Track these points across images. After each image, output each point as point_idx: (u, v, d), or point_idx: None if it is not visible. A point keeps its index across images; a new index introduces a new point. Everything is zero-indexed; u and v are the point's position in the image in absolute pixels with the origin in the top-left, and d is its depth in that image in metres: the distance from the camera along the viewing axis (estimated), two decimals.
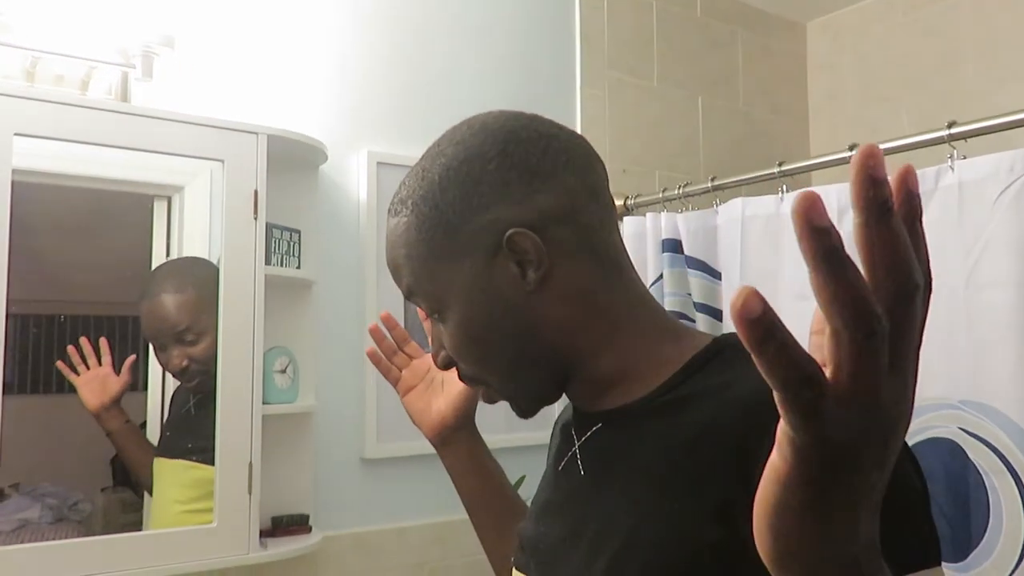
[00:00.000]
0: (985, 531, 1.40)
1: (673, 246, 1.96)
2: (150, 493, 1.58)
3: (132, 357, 1.57)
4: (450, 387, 0.92)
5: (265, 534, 1.59)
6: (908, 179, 0.34)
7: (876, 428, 0.36)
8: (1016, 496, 1.36)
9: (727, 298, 1.86)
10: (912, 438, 1.50)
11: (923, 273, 0.34)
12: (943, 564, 1.54)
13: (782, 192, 1.78)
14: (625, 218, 2.09)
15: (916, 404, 1.34)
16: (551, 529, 0.73)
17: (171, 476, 1.57)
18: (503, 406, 0.76)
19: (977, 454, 1.42)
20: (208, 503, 1.49)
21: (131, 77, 1.55)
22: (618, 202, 2.13)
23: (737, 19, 2.55)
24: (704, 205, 1.96)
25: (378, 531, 1.78)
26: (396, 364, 0.99)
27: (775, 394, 0.35)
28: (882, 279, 0.33)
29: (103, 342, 1.54)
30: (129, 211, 1.64)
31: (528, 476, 1.57)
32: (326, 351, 1.77)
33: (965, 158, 1.48)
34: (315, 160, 1.76)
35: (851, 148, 1.64)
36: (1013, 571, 1.35)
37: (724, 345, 0.69)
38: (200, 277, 1.59)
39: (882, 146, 1.60)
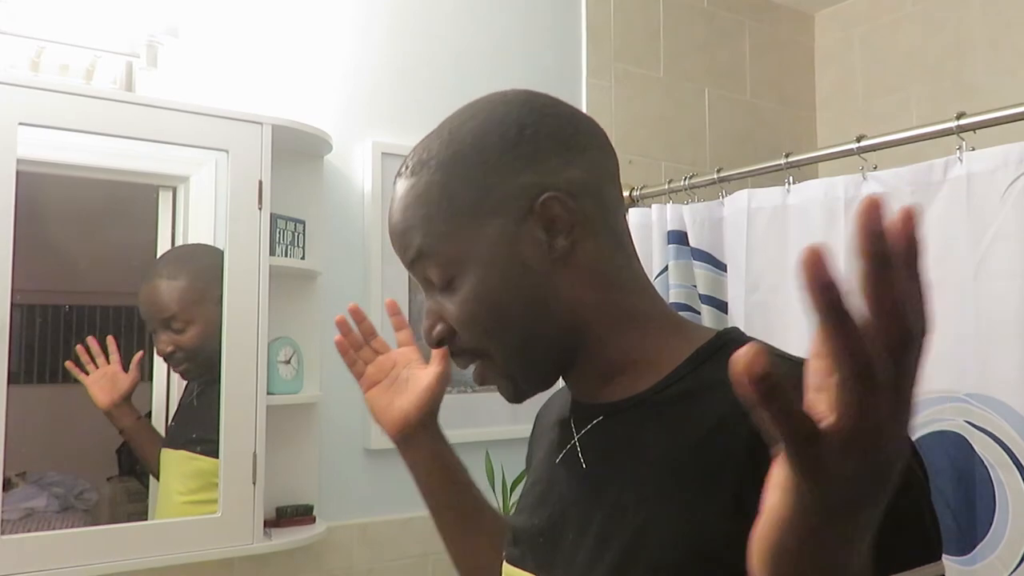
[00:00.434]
0: (991, 524, 1.40)
1: (679, 238, 1.95)
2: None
3: (140, 354, 1.57)
4: (415, 384, 0.91)
5: (269, 524, 1.60)
6: (909, 223, 0.35)
7: (876, 473, 0.38)
8: (1022, 490, 1.36)
9: (732, 290, 1.86)
10: (918, 431, 1.50)
11: (921, 319, 0.36)
12: (948, 557, 1.53)
13: (788, 184, 1.77)
14: (631, 209, 2.09)
15: (923, 396, 1.33)
16: (550, 522, 0.72)
17: (174, 467, 1.57)
18: (499, 401, 0.75)
19: (983, 447, 1.41)
20: (209, 494, 1.50)
21: (136, 67, 1.55)
22: (624, 193, 2.13)
23: (744, 10, 2.53)
24: (710, 197, 1.95)
25: (382, 521, 1.79)
26: (361, 358, 0.97)
27: (781, 445, 0.37)
28: (883, 326, 0.35)
29: (110, 340, 1.54)
30: (134, 201, 1.64)
31: None
32: (330, 342, 1.76)
33: (974, 149, 1.47)
34: (320, 150, 1.75)
35: (858, 140, 1.63)
36: (1019, 564, 1.35)
37: (727, 339, 0.69)
38: (197, 266, 1.59)
39: (890, 137, 1.60)
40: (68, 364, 1.51)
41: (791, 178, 1.77)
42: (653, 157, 2.24)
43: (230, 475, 1.49)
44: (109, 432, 1.55)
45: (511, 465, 1.69)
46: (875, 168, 1.62)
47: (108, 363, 1.53)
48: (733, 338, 0.69)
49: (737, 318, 1.83)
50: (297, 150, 1.70)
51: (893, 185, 1.58)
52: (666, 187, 2.03)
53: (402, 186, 0.71)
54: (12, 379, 1.34)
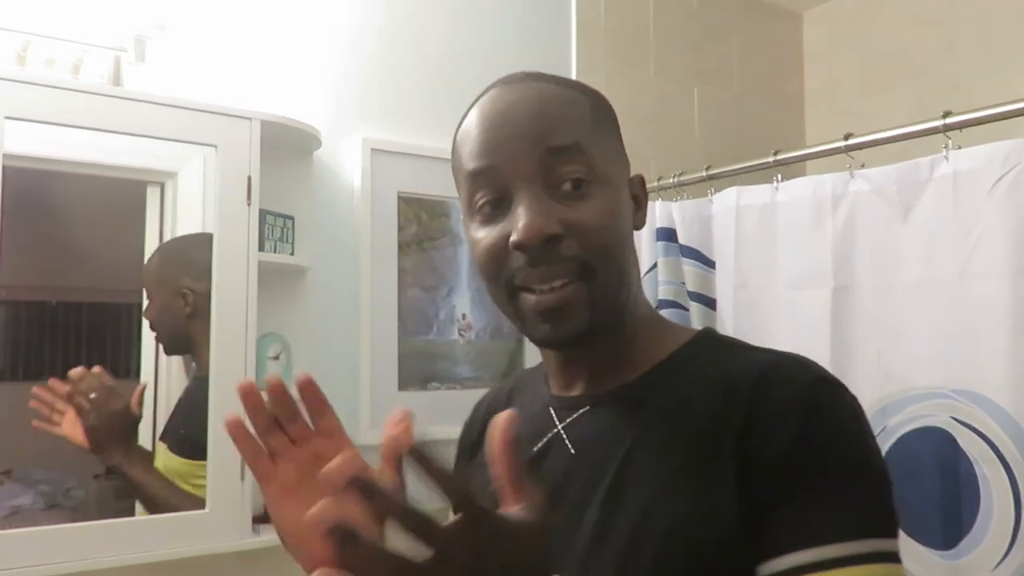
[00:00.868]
0: (975, 519, 1.41)
1: (668, 235, 1.96)
2: None
3: (141, 387, 1.55)
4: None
5: (258, 520, 1.59)
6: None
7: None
8: (1007, 485, 1.37)
9: (721, 287, 1.87)
10: (905, 427, 1.52)
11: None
12: (934, 551, 1.54)
13: (776, 181, 1.77)
14: None
15: (909, 392, 1.34)
16: None
17: (159, 459, 1.57)
18: None
19: (969, 443, 1.42)
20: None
21: (123, 61, 1.54)
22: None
23: (733, 8, 2.54)
24: (699, 194, 1.96)
25: None
26: (271, 447, 0.71)
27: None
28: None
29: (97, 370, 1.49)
30: (122, 197, 1.63)
31: None
32: (319, 338, 1.76)
33: (960, 148, 1.48)
34: (309, 146, 1.75)
35: (846, 138, 1.64)
36: (1003, 559, 1.36)
37: (707, 336, 0.77)
38: (169, 250, 1.60)
39: (877, 136, 1.61)
40: (34, 424, 1.43)
41: (779, 176, 1.78)
42: (643, 155, 2.24)
43: (219, 471, 1.49)
44: None
45: None
46: (862, 166, 1.63)
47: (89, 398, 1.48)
48: (711, 336, 0.77)
49: (725, 315, 1.84)
50: (286, 146, 1.69)
51: (880, 183, 1.59)
52: (656, 184, 2.04)
53: (532, 86, 0.74)
54: None
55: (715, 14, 2.49)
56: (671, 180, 2.01)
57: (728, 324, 1.82)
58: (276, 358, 1.66)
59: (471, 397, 0.97)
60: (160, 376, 1.61)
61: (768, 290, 1.76)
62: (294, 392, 0.70)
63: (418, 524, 0.43)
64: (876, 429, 1.54)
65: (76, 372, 1.46)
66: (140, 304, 1.57)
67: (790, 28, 2.70)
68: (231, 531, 1.50)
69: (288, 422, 0.70)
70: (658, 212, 1.98)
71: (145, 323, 1.57)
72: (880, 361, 1.56)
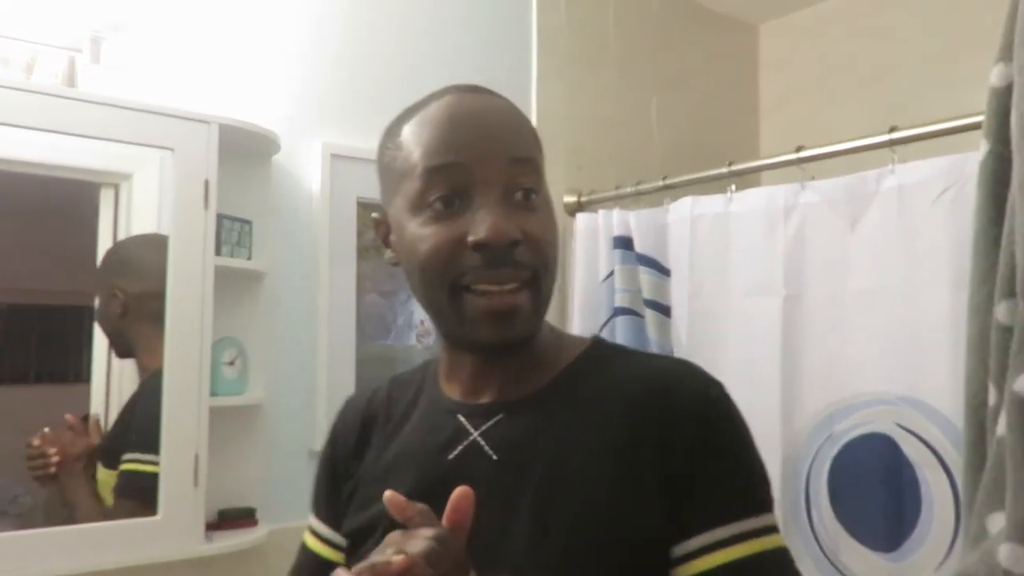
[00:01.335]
0: (917, 522, 1.46)
1: (624, 243, 1.99)
2: None
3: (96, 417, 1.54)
4: None
5: (211, 527, 1.58)
6: None
7: None
8: (947, 489, 1.42)
9: (676, 295, 1.90)
10: (851, 432, 1.56)
11: None
12: (878, 554, 1.59)
13: (730, 192, 1.81)
14: (578, 215, 2.12)
15: (855, 399, 1.40)
16: None
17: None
18: None
19: (911, 449, 1.47)
20: None
21: (78, 62, 1.52)
22: (572, 199, 2.16)
23: (692, 20, 2.58)
24: (656, 203, 1.99)
25: None
26: None
27: None
28: None
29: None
30: (75, 198, 1.60)
31: None
32: (277, 343, 1.76)
33: (906, 162, 1.53)
34: (268, 150, 1.74)
35: (798, 150, 1.68)
36: (944, 560, 1.40)
37: (601, 344, 0.81)
38: (110, 250, 1.58)
39: (827, 149, 1.65)
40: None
41: (733, 186, 1.82)
42: (601, 163, 2.27)
43: (171, 477, 1.47)
44: None
45: None
46: (813, 178, 1.68)
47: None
48: (605, 343, 0.82)
49: (680, 322, 1.87)
50: (245, 149, 1.68)
51: (829, 195, 1.63)
52: (613, 193, 2.07)
53: (494, 97, 0.77)
54: None
55: (674, 25, 2.53)
56: (629, 189, 2.04)
57: (682, 331, 1.85)
58: (232, 363, 1.65)
59: None
60: (112, 380, 1.59)
61: (721, 298, 1.80)
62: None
63: None
64: (823, 435, 1.60)
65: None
66: (92, 307, 1.56)
67: (746, 40, 2.75)
68: (184, 538, 1.48)
69: None
70: (616, 220, 2.00)
71: (97, 326, 1.56)
72: (828, 368, 1.61)
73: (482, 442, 0.75)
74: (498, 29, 2.15)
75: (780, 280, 1.68)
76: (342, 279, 1.84)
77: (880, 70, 2.41)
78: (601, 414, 0.73)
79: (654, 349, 1.92)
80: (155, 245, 1.54)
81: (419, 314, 1.94)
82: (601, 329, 2.00)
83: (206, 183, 1.54)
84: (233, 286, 1.66)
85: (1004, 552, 0.79)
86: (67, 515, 1.49)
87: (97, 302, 1.56)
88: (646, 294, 1.95)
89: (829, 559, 1.57)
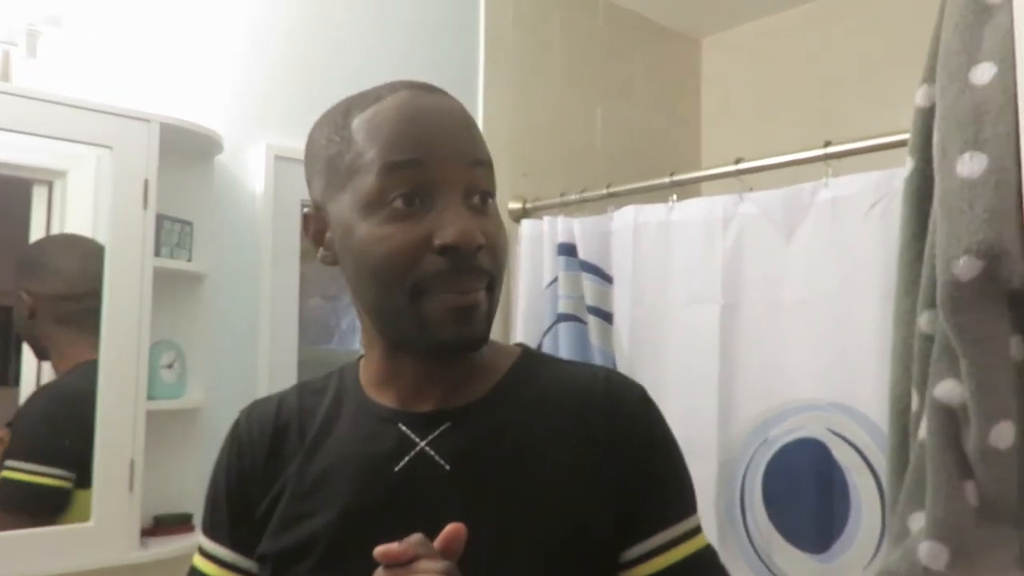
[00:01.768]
0: (846, 524, 1.51)
1: (568, 250, 2.01)
2: None
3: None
4: None
5: (147, 533, 1.55)
6: None
7: None
8: (874, 492, 1.47)
9: (618, 301, 1.93)
10: (784, 438, 1.60)
11: None
12: (809, 555, 1.64)
13: (672, 201, 1.85)
14: (523, 221, 2.13)
15: (789, 405, 1.46)
16: (407, 527, 0.65)
17: None
18: None
19: (841, 453, 1.52)
20: None
21: (13, 56, 1.48)
22: (517, 205, 2.18)
23: (637, 31, 2.63)
24: (600, 210, 2.02)
25: None
26: None
27: None
28: None
29: None
30: (6, 196, 1.56)
31: None
32: (217, 346, 1.73)
33: (839, 176, 1.58)
34: (210, 151, 1.72)
35: (737, 162, 1.73)
36: (871, 560, 1.46)
37: (530, 352, 0.81)
38: (27, 250, 1.55)
39: (765, 161, 1.70)
40: None
41: (675, 196, 1.86)
42: (546, 170, 2.30)
43: (104, 482, 1.44)
44: None
45: None
46: (751, 189, 1.73)
47: None
48: (534, 352, 0.82)
49: (622, 328, 1.90)
50: (186, 150, 1.66)
51: (767, 206, 1.68)
52: (558, 200, 2.09)
53: (450, 97, 0.75)
54: None
55: (619, 35, 2.57)
56: (573, 196, 2.06)
57: (624, 338, 1.89)
58: (170, 366, 1.62)
59: None
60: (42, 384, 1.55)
61: (662, 306, 1.83)
62: None
63: None
64: (758, 440, 1.64)
65: None
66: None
67: (689, 54, 2.81)
68: (118, 545, 1.45)
69: None
70: (560, 227, 2.03)
71: None
72: (764, 375, 1.65)
73: (432, 452, 0.71)
74: (445, 34, 2.16)
75: (718, 289, 1.72)
76: (285, 282, 1.82)
77: (816, 87, 2.49)
78: (548, 421, 0.73)
79: (596, 355, 1.95)
80: (69, 246, 1.51)
81: None
82: (544, 335, 2.02)
83: (145, 183, 1.51)
84: (172, 288, 1.64)
85: (923, 549, 0.83)
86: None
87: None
88: (589, 301, 1.98)
89: (763, 561, 1.61)
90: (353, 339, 1.92)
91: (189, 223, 1.67)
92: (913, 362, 0.95)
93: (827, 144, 1.58)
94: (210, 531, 0.79)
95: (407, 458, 0.71)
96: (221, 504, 0.78)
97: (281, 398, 0.81)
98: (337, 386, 0.80)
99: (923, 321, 0.93)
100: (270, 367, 1.78)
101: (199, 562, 0.78)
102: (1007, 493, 0.81)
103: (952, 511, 0.83)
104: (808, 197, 1.62)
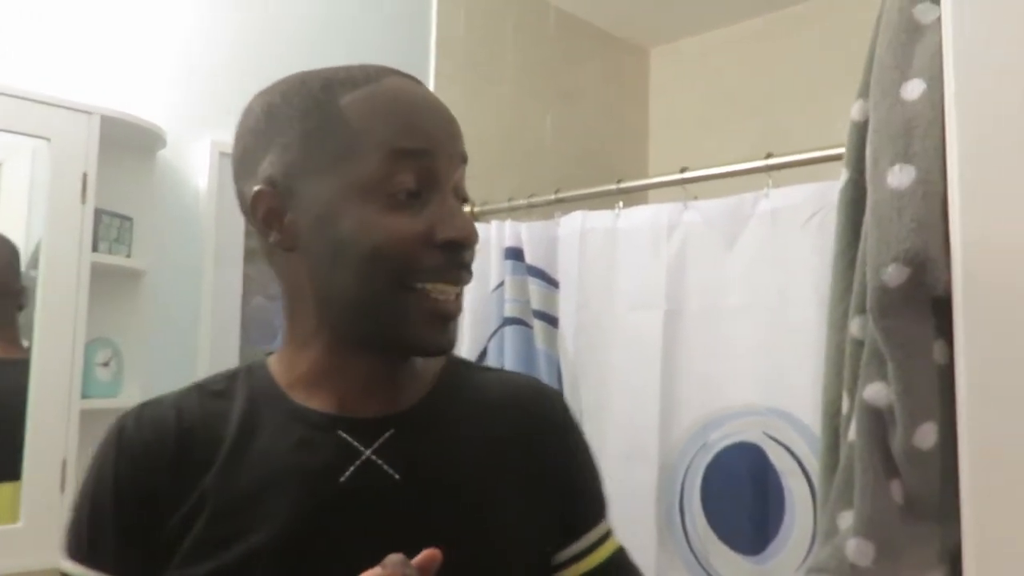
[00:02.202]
0: (780, 527, 1.54)
1: (515, 254, 2.02)
2: None
3: None
4: None
5: None
6: None
7: None
8: (807, 495, 1.51)
9: (564, 306, 1.94)
10: (723, 442, 1.64)
11: None
12: (744, 556, 1.67)
13: (619, 208, 1.88)
14: None
15: (728, 410, 1.49)
16: (360, 543, 0.63)
17: None
18: None
19: (777, 457, 1.56)
20: None
21: None
22: (465, 208, 2.18)
23: (588, 39, 2.66)
24: (547, 216, 2.03)
25: None
26: None
27: None
28: None
29: None
30: None
31: None
32: (155, 345, 1.70)
33: (779, 187, 1.63)
34: (153, 145, 1.69)
35: (682, 171, 1.76)
36: (803, 561, 1.49)
37: (454, 357, 0.78)
38: None
39: (709, 171, 1.74)
40: None
41: (621, 203, 1.88)
42: (495, 174, 2.31)
43: (35, 483, 1.40)
44: None
45: None
46: (695, 198, 1.76)
47: None
48: (460, 359, 0.80)
49: (567, 332, 1.91)
50: (128, 143, 1.63)
51: (710, 215, 1.72)
52: (506, 204, 2.10)
53: (427, 88, 0.71)
54: None
55: (570, 43, 2.60)
56: (522, 201, 2.08)
57: (569, 342, 1.90)
58: (106, 364, 1.58)
59: None
60: None
61: (607, 311, 1.85)
62: None
63: None
64: (697, 444, 1.67)
65: None
66: None
67: (638, 63, 2.85)
68: (48, 547, 1.41)
69: None
70: (507, 232, 2.04)
71: None
72: (704, 380, 1.68)
73: (380, 461, 0.67)
74: (396, 33, 2.16)
75: (662, 295, 1.75)
76: (227, 281, 1.79)
77: (760, 100, 2.55)
78: (485, 428, 0.73)
79: (542, 359, 1.97)
80: None
81: None
82: (490, 338, 2.03)
83: (84, 176, 1.48)
84: (110, 284, 1.60)
85: (851, 546, 0.86)
86: None
87: None
88: (535, 305, 1.99)
89: (700, 563, 1.64)
90: None
91: (129, 218, 1.63)
92: (845, 366, 0.98)
93: (769, 156, 1.62)
94: (86, 556, 0.66)
95: (352, 468, 0.66)
96: (105, 524, 0.66)
97: (177, 401, 0.70)
98: (247, 389, 0.71)
99: (854, 326, 0.96)
100: (210, 367, 1.75)
101: None
102: (930, 491, 0.84)
103: (878, 509, 0.86)
104: (750, 207, 1.66)
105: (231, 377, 0.73)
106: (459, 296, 0.68)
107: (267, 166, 0.68)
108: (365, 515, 0.66)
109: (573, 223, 1.94)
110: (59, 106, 1.46)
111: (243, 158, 0.71)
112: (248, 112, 0.72)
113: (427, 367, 0.75)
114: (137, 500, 0.65)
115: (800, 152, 1.59)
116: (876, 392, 0.88)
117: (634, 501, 1.71)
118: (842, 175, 1.07)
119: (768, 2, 2.49)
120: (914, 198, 0.83)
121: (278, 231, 0.67)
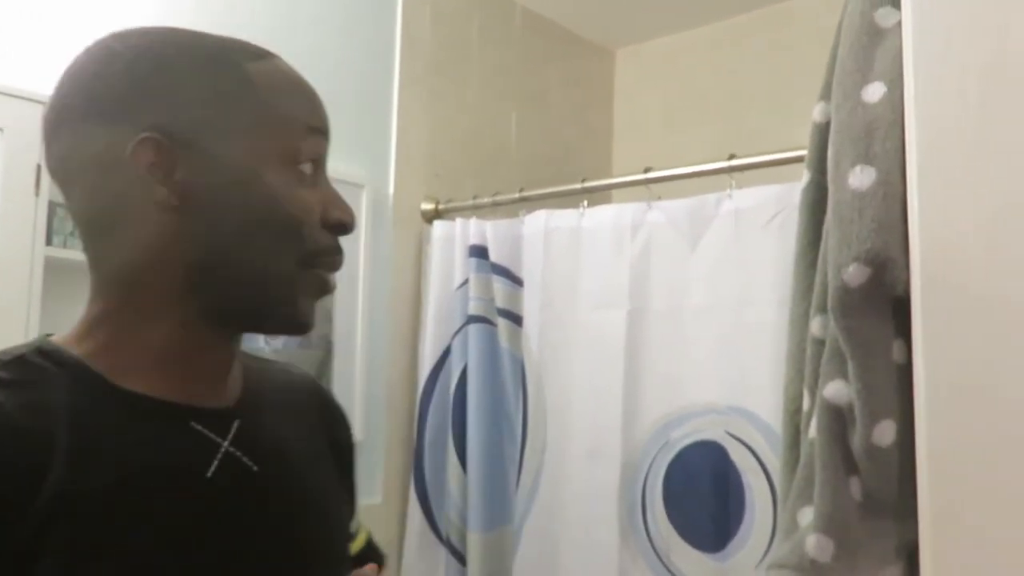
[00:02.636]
0: (741, 524, 1.56)
1: (480, 252, 2.02)
2: None
3: None
4: None
5: None
6: None
7: None
8: (767, 493, 1.53)
9: (528, 304, 1.95)
10: (685, 440, 1.65)
11: None
12: (705, 553, 1.69)
13: (583, 207, 1.88)
14: (435, 222, 2.13)
15: (690, 408, 1.51)
16: (240, 541, 0.64)
17: None
18: None
19: (738, 455, 1.58)
20: None
21: None
22: (429, 206, 2.17)
23: (553, 40, 2.66)
24: (512, 214, 2.03)
25: None
26: None
27: None
28: None
29: None
30: None
31: None
32: None
33: (742, 188, 1.64)
34: None
35: (646, 171, 1.78)
36: (762, 558, 1.51)
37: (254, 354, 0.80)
38: None
39: (673, 172, 1.75)
40: None
41: (586, 202, 1.89)
42: (460, 172, 2.30)
43: None
44: None
45: None
46: (659, 198, 1.77)
47: None
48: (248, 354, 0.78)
49: (531, 331, 1.92)
50: None
51: (673, 215, 1.73)
52: (471, 202, 2.10)
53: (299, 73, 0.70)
54: None
55: (535, 42, 2.60)
56: (486, 200, 2.07)
57: (533, 340, 1.90)
58: None
59: None
60: None
61: (571, 309, 1.86)
62: None
63: None
64: (660, 443, 1.68)
65: None
66: None
67: (603, 64, 2.86)
68: None
69: None
70: (472, 230, 2.04)
71: None
72: (666, 379, 1.70)
73: (239, 453, 0.65)
74: (361, 33, 2.13)
75: (625, 294, 1.76)
76: None
77: (723, 102, 2.57)
78: (295, 416, 0.76)
79: (505, 357, 1.97)
80: None
81: None
82: (454, 336, 2.02)
83: (38, 167, 1.44)
84: (65, 279, 1.56)
85: (811, 542, 0.87)
86: None
87: None
88: (499, 303, 1.99)
89: (662, 560, 1.65)
90: (256, 337, 1.87)
91: None
92: (805, 364, 0.99)
93: (731, 157, 1.63)
94: None
95: (216, 462, 0.63)
96: None
97: None
98: (55, 376, 0.61)
99: (815, 325, 0.97)
100: None
101: None
102: (888, 488, 0.85)
103: (838, 506, 0.87)
104: (712, 207, 1.68)
105: (18, 364, 0.61)
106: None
107: (155, 116, 0.62)
108: (236, 512, 0.64)
109: (537, 222, 1.95)
110: (12, 95, 1.42)
111: (107, 100, 0.63)
112: (113, 54, 0.66)
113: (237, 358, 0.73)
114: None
115: (762, 154, 1.61)
116: (836, 390, 0.89)
117: (597, 500, 1.71)
118: (804, 176, 1.08)
119: (732, 6, 2.51)
120: (875, 199, 0.84)
121: (164, 186, 0.61)
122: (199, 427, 0.64)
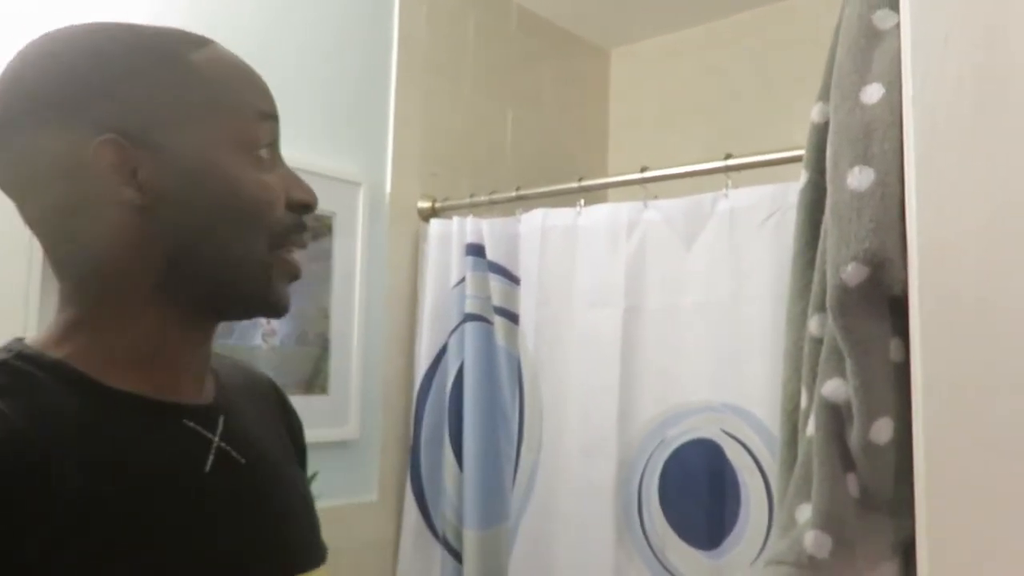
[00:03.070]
0: (736, 522, 1.57)
1: (476, 250, 2.02)
2: None
3: None
4: None
5: None
6: None
7: None
8: (763, 491, 1.54)
9: (524, 302, 1.95)
10: (681, 438, 1.66)
11: None
12: (700, 551, 1.70)
13: (579, 206, 1.89)
14: (431, 220, 2.14)
15: (686, 407, 1.52)
16: (244, 531, 0.66)
17: None
18: None
19: (733, 453, 1.59)
20: None
21: None
22: (426, 204, 2.18)
23: (548, 38, 2.67)
24: (508, 213, 2.04)
25: None
26: None
27: None
28: None
29: None
30: None
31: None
32: None
33: (738, 188, 1.65)
34: None
35: (642, 171, 1.78)
36: (757, 556, 1.52)
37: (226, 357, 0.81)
38: None
39: (668, 171, 1.76)
40: None
41: (582, 201, 1.90)
42: (456, 171, 2.30)
43: None
44: None
45: None
46: (655, 197, 1.78)
47: None
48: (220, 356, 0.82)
49: (527, 329, 1.92)
50: None
51: (669, 214, 1.74)
52: (468, 201, 2.10)
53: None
54: None
55: (531, 41, 2.61)
56: (482, 198, 2.08)
57: (529, 338, 1.91)
58: None
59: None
60: None
61: (567, 307, 1.87)
62: None
63: None
64: (655, 441, 1.69)
65: None
66: None
67: (599, 63, 2.87)
68: None
69: None
70: (469, 228, 2.04)
71: None
72: (662, 377, 1.71)
73: (229, 448, 0.66)
74: (358, 31, 2.14)
75: (621, 292, 1.77)
76: None
77: (719, 102, 2.58)
78: (259, 411, 0.77)
79: (502, 355, 1.97)
80: None
81: None
82: (451, 334, 2.03)
83: None
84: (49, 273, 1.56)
85: (809, 538, 0.88)
86: None
87: None
88: (495, 301, 2.00)
89: (658, 558, 1.66)
90: (254, 334, 1.87)
91: None
92: (803, 362, 1.00)
93: (728, 157, 1.64)
94: None
95: (211, 458, 0.64)
96: None
97: None
98: (40, 378, 0.59)
99: (813, 324, 0.98)
100: None
101: None
102: (885, 485, 0.86)
103: (836, 502, 0.88)
104: (708, 207, 1.69)
105: (4, 370, 0.59)
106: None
107: (108, 116, 0.60)
108: (235, 508, 0.65)
109: (534, 220, 1.95)
110: None
111: (54, 104, 0.61)
112: (51, 56, 0.63)
113: None
114: None
115: (758, 153, 1.62)
116: (834, 388, 0.90)
117: (593, 497, 1.72)
118: (802, 176, 1.09)
119: (727, 6, 2.52)
120: (873, 199, 0.85)
121: (131, 187, 0.61)
122: (191, 424, 0.65)
